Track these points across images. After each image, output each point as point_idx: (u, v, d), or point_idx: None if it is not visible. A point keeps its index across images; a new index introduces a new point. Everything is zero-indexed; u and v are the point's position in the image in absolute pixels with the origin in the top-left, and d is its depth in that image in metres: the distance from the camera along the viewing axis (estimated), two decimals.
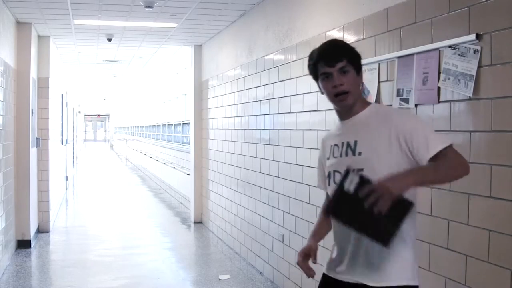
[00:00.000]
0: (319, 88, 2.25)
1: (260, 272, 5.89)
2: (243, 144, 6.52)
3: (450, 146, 2.06)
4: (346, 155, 2.21)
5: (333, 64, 2.15)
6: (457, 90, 2.75)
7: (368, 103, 2.28)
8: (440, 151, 2.04)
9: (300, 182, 4.79)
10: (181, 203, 11.07)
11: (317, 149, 4.43)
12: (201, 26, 7.41)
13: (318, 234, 2.65)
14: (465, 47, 2.69)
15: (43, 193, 8.03)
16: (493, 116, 2.54)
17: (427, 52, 3.00)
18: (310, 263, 2.56)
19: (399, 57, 3.26)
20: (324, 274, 2.49)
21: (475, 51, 2.63)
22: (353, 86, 2.18)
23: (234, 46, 7.04)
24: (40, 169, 7.95)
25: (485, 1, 2.60)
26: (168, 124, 13.67)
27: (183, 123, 11.48)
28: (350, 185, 1.98)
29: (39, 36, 7.97)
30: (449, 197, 2.83)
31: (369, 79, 3.59)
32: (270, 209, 5.56)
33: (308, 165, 4.61)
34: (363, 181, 1.94)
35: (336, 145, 2.27)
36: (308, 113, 4.61)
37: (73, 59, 11.32)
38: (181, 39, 8.46)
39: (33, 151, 7.30)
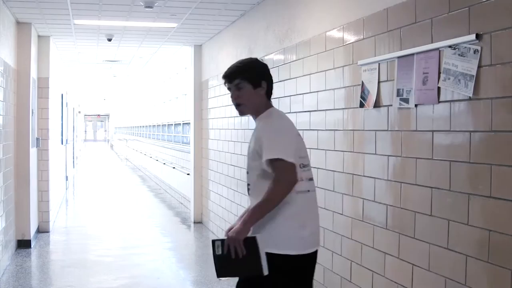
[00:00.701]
0: None
1: None
2: (243, 144, 6.52)
3: (280, 161, 2.60)
4: (248, 150, 2.86)
5: (231, 81, 2.82)
6: (457, 90, 2.75)
7: (265, 111, 2.83)
8: (271, 160, 2.62)
9: None
10: (181, 203, 11.07)
11: (317, 149, 4.44)
12: (201, 26, 7.41)
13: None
14: (465, 47, 2.69)
15: (43, 193, 8.03)
16: (493, 116, 2.54)
17: (427, 52, 3.00)
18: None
19: (399, 57, 3.26)
20: (309, 253, 2.85)
21: (475, 51, 2.63)
22: (248, 99, 2.80)
23: (234, 46, 7.04)
24: (40, 169, 7.95)
25: (485, 1, 2.60)
26: (168, 124, 13.67)
27: (183, 123, 11.48)
28: (218, 249, 2.69)
29: (39, 36, 7.97)
30: (449, 197, 2.83)
31: (369, 79, 3.59)
32: None
33: None
34: (221, 242, 2.67)
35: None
36: (308, 113, 4.61)
37: (73, 59, 11.32)
38: (181, 39, 8.46)
39: (33, 151, 7.30)
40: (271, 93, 2.89)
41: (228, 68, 2.87)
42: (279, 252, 2.66)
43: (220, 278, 2.99)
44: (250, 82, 2.79)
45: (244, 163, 6.54)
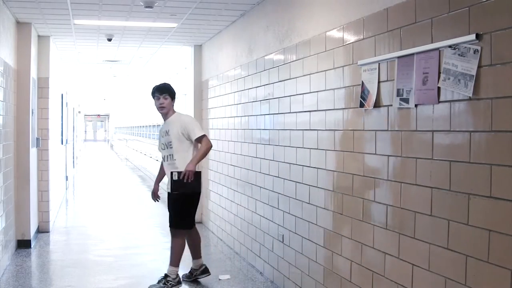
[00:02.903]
0: (155, 103, 5.41)
1: (260, 272, 5.89)
2: (243, 144, 6.52)
3: (203, 136, 5.24)
4: (165, 136, 5.33)
5: (161, 93, 5.35)
6: (457, 90, 2.75)
7: (174, 113, 5.38)
8: (199, 137, 5.22)
9: (300, 182, 4.79)
10: None
11: (317, 149, 4.44)
12: (201, 26, 7.41)
13: (158, 180, 5.86)
14: (465, 47, 2.69)
15: (43, 193, 8.03)
16: (493, 116, 2.54)
17: (427, 52, 3.00)
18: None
19: (399, 57, 3.26)
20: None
21: (475, 51, 2.63)
22: (167, 106, 5.34)
23: (234, 46, 7.04)
24: (40, 169, 7.95)
25: (485, 1, 2.60)
26: None
27: None
28: (175, 177, 5.20)
29: (39, 36, 7.97)
30: (449, 197, 2.83)
31: (369, 79, 3.59)
32: (270, 209, 5.56)
33: (308, 165, 4.61)
34: (177, 173, 5.18)
35: (162, 131, 5.41)
36: (308, 113, 4.61)
37: (73, 59, 11.32)
38: (181, 39, 8.46)
39: (33, 151, 7.30)
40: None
41: (162, 85, 5.44)
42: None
43: (174, 192, 5.27)
44: (170, 96, 5.35)
45: (244, 163, 6.55)
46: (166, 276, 5.31)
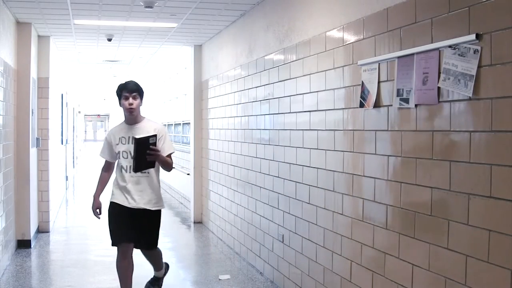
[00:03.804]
0: (119, 103, 4.55)
1: (260, 272, 5.89)
2: (243, 144, 6.52)
3: (171, 153, 4.52)
4: (131, 143, 4.35)
5: (131, 92, 4.51)
6: (457, 90, 2.75)
7: (143, 117, 4.59)
8: (169, 154, 4.48)
9: (300, 182, 4.79)
10: (181, 203, 11.07)
11: (317, 149, 4.44)
12: (201, 26, 7.41)
13: (100, 193, 4.77)
14: (465, 47, 2.69)
15: (43, 193, 8.03)
16: (493, 116, 2.54)
17: (427, 52, 3.00)
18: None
19: (399, 57, 3.26)
20: (115, 203, 4.54)
21: (475, 51, 2.63)
22: (137, 106, 4.51)
23: (234, 46, 7.04)
24: (40, 169, 7.95)
25: (485, 1, 2.60)
26: (168, 124, 13.66)
27: (183, 123, 11.48)
28: (140, 138, 4.21)
29: (39, 36, 7.97)
30: (449, 197, 2.83)
31: (369, 79, 3.59)
32: (270, 209, 5.56)
33: (308, 165, 4.61)
34: (151, 137, 4.28)
35: (123, 137, 4.50)
36: (308, 113, 4.61)
37: (73, 59, 11.32)
38: (181, 39, 8.46)
39: (33, 151, 7.30)
40: None
41: (132, 82, 4.62)
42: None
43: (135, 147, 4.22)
44: (140, 97, 4.56)
45: (244, 163, 6.55)
46: (157, 279, 5.16)
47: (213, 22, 7.09)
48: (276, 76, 5.41)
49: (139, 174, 4.41)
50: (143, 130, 4.42)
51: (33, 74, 7.42)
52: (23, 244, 6.99)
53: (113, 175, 4.69)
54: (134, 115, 4.51)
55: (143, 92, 4.62)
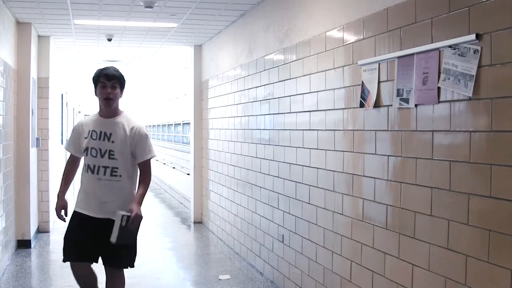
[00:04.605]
0: (95, 91, 3.80)
1: (260, 272, 5.89)
2: (243, 144, 6.52)
3: (149, 159, 3.77)
4: (104, 140, 3.71)
5: (109, 80, 3.72)
6: (457, 90, 2.75)
7: (121, 112, 3.81)
8: (147, 160, 3.75)
9: (300, 182, 4.79)
10: (181, 203, 11.07)
11: (317, 149, 4.44)
12: (201, 26, 7.41)
13: (65, 190, 3.97)
14: (465, 47, 2.69)
15: (43, 193, 8.03)
16: (493, 116, 2.54)
17: (427, 52, 3.00)
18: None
19: (399, 57, 3.26)
20: (77, 212, 3.85)
21: (475, 51, 2.63)
22: (115, 97, 3.75)
23: (234, 46, 7.04)
24: (40, 169, 7.95)
25: (485, 1, 2.60)
26: (168, 124, 13.67)
27: (183, 123, 11.48)
28: (123, 222, 3.58)
29: (39, 36, 7.97)
30: (449, 197, 2.83)
31: (369, 79, 3.59)
32: (270, 209, 5.56)
33: (308, 165, 4.61)
34: (127, 217, 3.60)
35: (94, 131, 3.74)
36: (308, 113, 4.61)
37: (73, 59, 11.32)
38: (181, 39, 8.46)
39: (33, 151, 7.30)
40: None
41: (111, 69, 3.81)
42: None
43: (116, 243, 3.63)
44: (120, 86, 3.80)
45: (244, 163, 6.55)
46: None
47: (213, 22, 7.09)
48: (276, 76, 5.41)
49: (108, 177, 3.69)
50: (114, 125, 3.73)
51: (33, 74, 7.42)
52: (23, 244, 6.99)
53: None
54: (111, 107, 3.76)
55: (124, 81, 3.85)
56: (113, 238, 3.58)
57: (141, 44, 9.18)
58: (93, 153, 3.71)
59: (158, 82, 14.85)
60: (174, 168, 11.37)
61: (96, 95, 3.82)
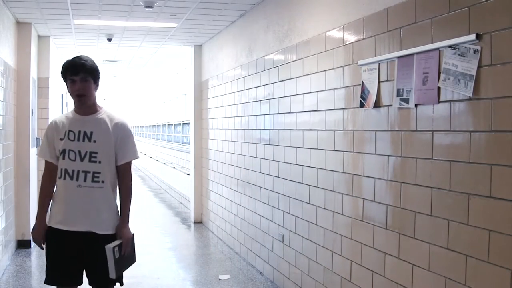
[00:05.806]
0: (67, 88, 3.30)
1: (260, 272, 5.89)
2: (243, 144, 6.52)
3: (129, 162, 3.32)
4: (83, 140, 3.21)
5: (77, 74, 3.22)
6: (457, 90, 2.75)
7: (100, 107, 3.32)
8: (128, 162, 3.29)
9: (300, 182, 4.79)
10: (181, 203, 11.08)
11: (317, 149, 4.44)
12: (201, 26, 7.41)
13: (45, 212, 3.38)
14: (465, 47, 2.69)
15: None
16: (493, 116, 2.54)
17: (427, 52, 3.00)
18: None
19: (399, 57, 3.26)
20: (54, 229, 3.25)
21: (475, 51, 2.63)
22: (89, 92, 3.23)
23: (234, 46, 7.04)
24: (40, 169, 7.94)
25: (485, 1, 2.60)
26: (168, 124, 13.67)
27: (183, 123, 11.48)
28: (116, 254, 3.16)
29: (39, 36, 7.97)
30: (449, 197, 2.83)
31: (369, 79, 3.59)
32: (270, 209, 5.56)
33: (308, 165, 4.61)
34: (118, 247, 3.19)
35: (71, 131, 3.22)
36: (308, 113, 4.61)
37: None
38: (181, 39, 8.46)
39: (33, 151, 7.30)
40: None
41: (77, 60, 3.30)
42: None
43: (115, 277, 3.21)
44: (92, 77, 3.26)
45: (244, 163, 6.55)
46: None
47: (213, 22, 7.09)
48: (276, 76, 5.41)
49: (89, 183, 3.17)
50: (94, 123, 3.24)
51: (33, 74, 7.42)
52: (23, 244, 6.99)
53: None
54: (87, 103, 3.26)
55: (97, 72, 3.31)
56: (112, 275, 3.14)
57: (141, 44, 9.18)
58: (71, 156, 3.17)
59: (158, 82, 14.85)
60: (174, 168, 11.37)
61: (68, 91, 3.32)
